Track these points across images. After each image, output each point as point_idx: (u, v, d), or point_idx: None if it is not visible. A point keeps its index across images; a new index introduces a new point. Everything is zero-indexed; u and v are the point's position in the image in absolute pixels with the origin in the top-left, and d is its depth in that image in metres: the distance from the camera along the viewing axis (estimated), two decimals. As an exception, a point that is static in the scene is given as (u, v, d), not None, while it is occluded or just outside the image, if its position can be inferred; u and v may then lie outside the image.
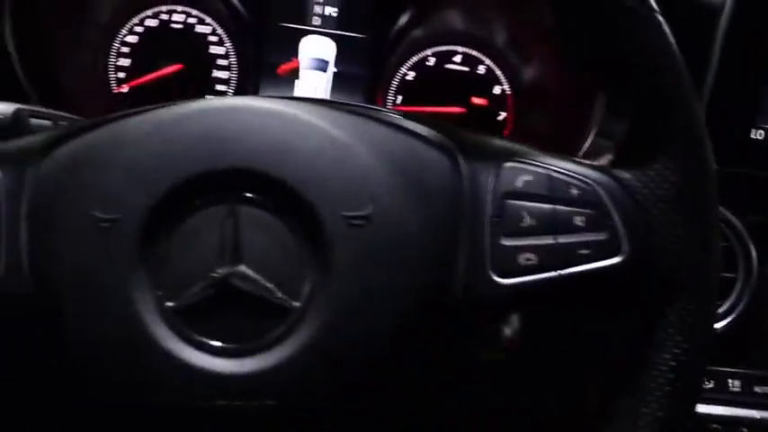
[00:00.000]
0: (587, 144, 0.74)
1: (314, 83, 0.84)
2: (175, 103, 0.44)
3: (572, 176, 0.42)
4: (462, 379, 0.63)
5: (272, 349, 0.39)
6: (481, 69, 0.85)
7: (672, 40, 0.41)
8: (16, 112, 0.64)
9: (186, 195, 0.40)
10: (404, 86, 0.85)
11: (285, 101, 0.42)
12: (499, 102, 0.86)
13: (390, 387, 0.42)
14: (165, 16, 0.84)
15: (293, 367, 0.39)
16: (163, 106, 0.44)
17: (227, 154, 0.40)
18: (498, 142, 0.45)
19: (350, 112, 0.42)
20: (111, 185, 0.40)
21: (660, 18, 0.41)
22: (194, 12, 0.84)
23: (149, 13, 0.84)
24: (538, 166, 0.42)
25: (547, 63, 0.83)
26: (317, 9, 0.83)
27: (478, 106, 0.85)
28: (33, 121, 0.65)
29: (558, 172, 0.42)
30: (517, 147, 0.45)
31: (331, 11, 0.83)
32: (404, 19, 0.78)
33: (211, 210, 0.40)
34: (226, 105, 0.41)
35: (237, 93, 0.84)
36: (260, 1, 0.82)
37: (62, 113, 0.66)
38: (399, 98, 0.85)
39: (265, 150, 0.40)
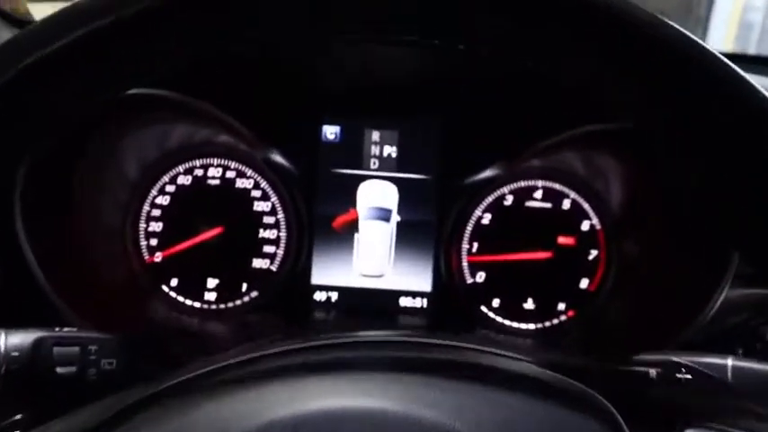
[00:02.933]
0: (719, 303, 0.61)
1: (376, 235, 0.73)
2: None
3: None
4: None
5: None
6: (566, 204, 0.74)
7: None
8: (36, 342, 0.53)
9: None
10: (479, 231, 0.74)
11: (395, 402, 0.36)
12: (589, 239, 0.74)
13: None
14: (199, 172, 0.73)
15: None
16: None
17: None
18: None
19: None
20: None
21: None
22: (233, 164, 0.73)
23: (181, 169, 0.73)
24: None
25: (642, 191, 0.72)
26: (374, 150, 0.72)
27: (566, 247, 0.74)
28: (57, 350, 0.55)
29: None
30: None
31: (390, 150, 0.72)
32: (489, 173, 0.67)
33: None
34: (321, 411, 0.35)
35: (288, 253, 0.73)
36: (307, 146, 0.71)
37: (91, 334, 0.56)
38: (475, 245, 0.74)
39: None
